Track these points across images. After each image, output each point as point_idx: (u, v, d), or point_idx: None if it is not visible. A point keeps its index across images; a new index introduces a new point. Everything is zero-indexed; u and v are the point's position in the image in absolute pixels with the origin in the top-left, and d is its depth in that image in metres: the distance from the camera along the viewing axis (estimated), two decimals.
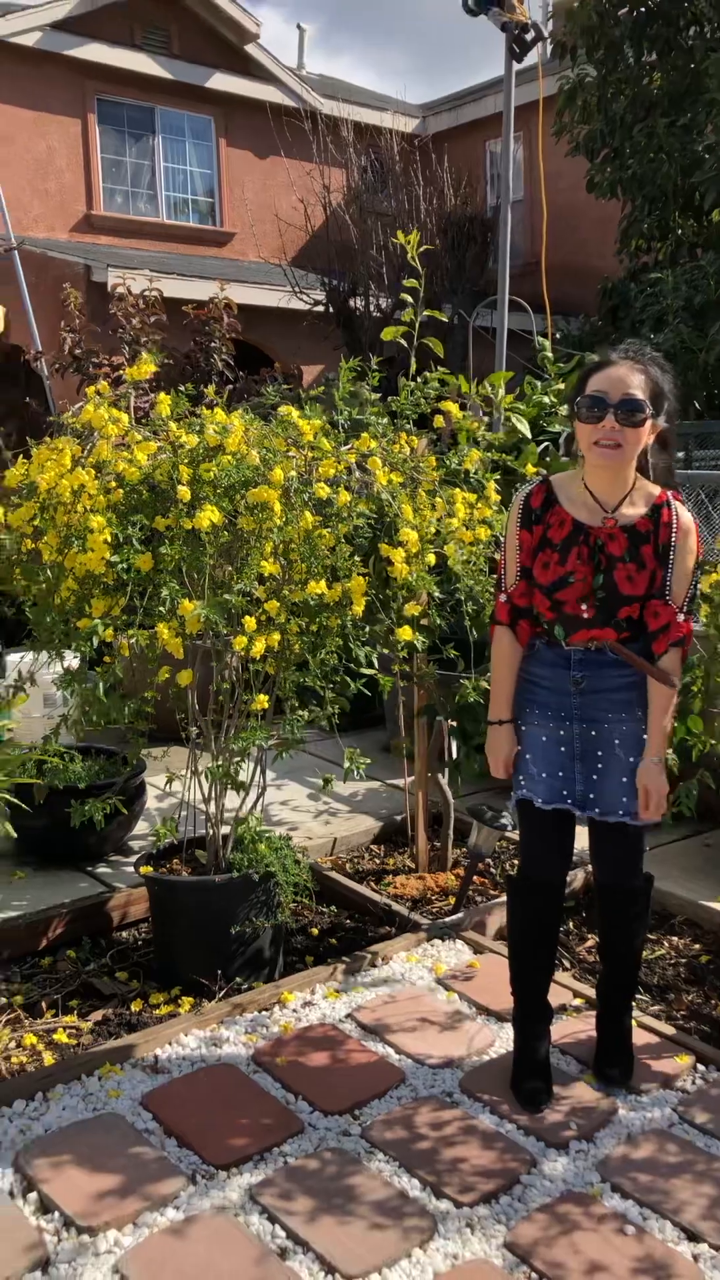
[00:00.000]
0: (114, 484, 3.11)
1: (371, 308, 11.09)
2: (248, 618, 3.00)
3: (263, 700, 3.16)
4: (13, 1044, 3.11)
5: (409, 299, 3.93)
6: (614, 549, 2.57)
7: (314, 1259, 2.23)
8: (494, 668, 2.79)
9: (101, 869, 4.10)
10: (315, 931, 3.76)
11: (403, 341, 4.00)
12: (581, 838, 2.80)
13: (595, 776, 2.66)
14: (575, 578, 2.58)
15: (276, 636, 3.05)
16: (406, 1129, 2.62)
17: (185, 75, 13.37)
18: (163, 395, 3.23)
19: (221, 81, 13.64)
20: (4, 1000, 3.34)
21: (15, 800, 3.77)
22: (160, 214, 13.69)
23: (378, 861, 4.35)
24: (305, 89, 14.21)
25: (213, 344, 7.45)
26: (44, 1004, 3.32)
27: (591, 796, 2.67)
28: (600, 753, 2.65)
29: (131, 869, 4.05)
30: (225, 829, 3.49)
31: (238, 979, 3.34)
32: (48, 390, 8.42)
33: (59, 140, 12.74)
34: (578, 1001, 3.20)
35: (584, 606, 2.58)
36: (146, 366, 3.21)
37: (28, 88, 12.42)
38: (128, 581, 3.11)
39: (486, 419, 4.54)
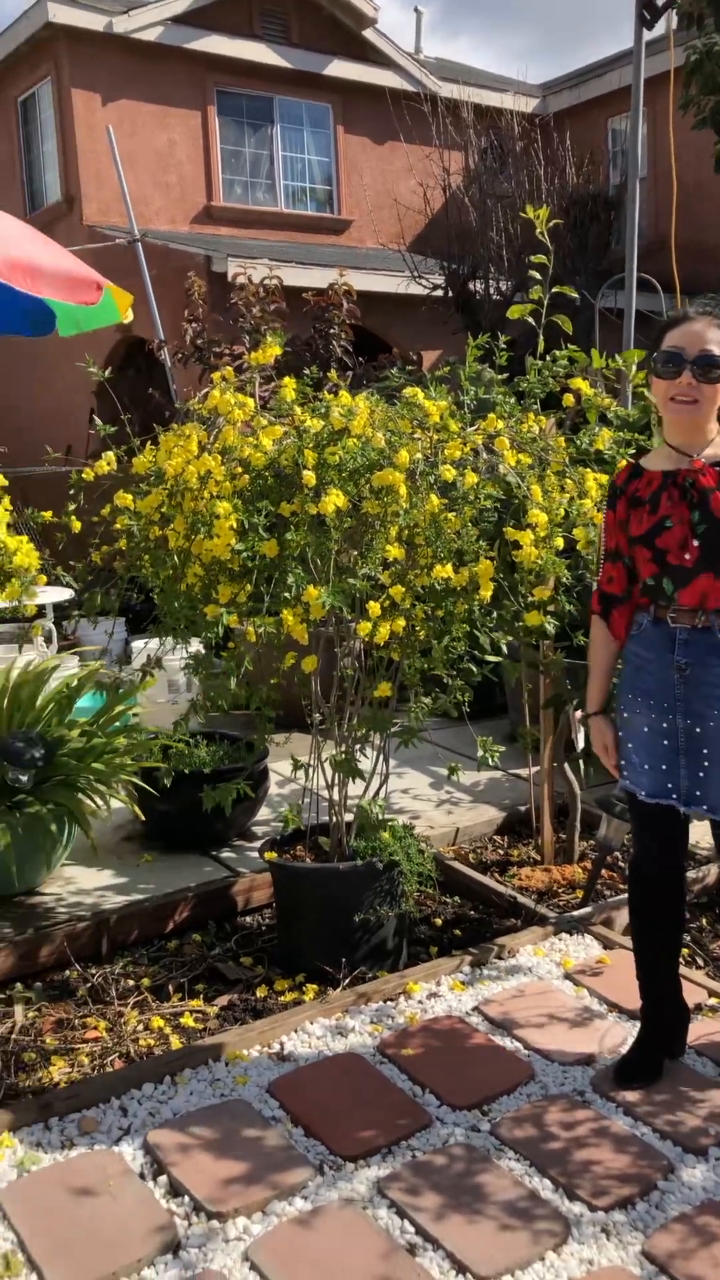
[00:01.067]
0: (239, 469, 3.11)
1: (491, 290, 10.94)
2: (372, 603, 2.96)
3: (386, 688, 3.12)
4: (140, 1026, 3.15)
5: (536, 275, 3.83)
6: (706, 482, 2.48)
7: (444, 1257, 2.18)
8: (589, 658, 2.78)
9: (225, 853, 4.13)
10: (439, 922, 3.71)
11: (530, 320, 3.90)
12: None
13: (701, 774, 2.55)
14: (672, 520, 2.52)
15: (401, 622, 3.01)
16: (537, 1127, 2.55)
17: (303, 64, 13.38)
18: (287, 379, 3.21)
19: (339, 68, 13.61)
20: (131, 983, 3.38)
21: (143, 784, 3.82)
22: (278, 203, 13.74)
23: (501, 852, 4.28)
24: (423, 73, 14.08)
25: (332, 330, 7.43)
26: (170, 987, 3.35)
27: (698, 794, 2.56)
28: (706, 750, 2.54)
29: (255, 854, 4.07)
30: (348, 816, 3.46)
31: (362, 968, 3.32)
32: (170, 379, 8.53)
33: (180, 133, 12.88)
34: (713, 1001, 3.08)
35: (685, 554, 2.49)
36: (271, 350, 3.20)
37: (150, 82, 12.58)
38: (253, 568, 3.11)
39: (615, 398, 4.40)
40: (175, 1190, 2.38)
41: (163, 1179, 2.41)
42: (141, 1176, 2.43)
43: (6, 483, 2.65)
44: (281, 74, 13.38)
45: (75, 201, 12.47)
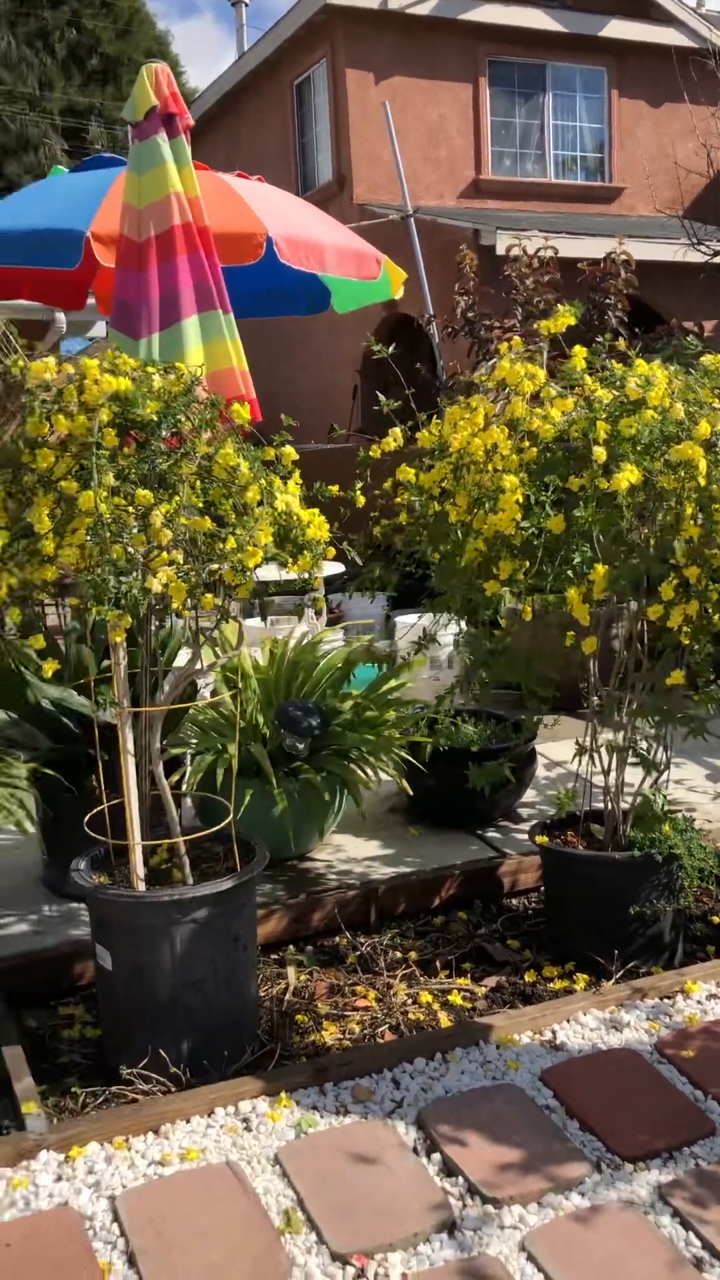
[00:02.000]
0: (526, 443, 3.03)
1: None
2: (665, 585, 2.82)
3: (678, 676, 2.97)
4: (409, 1000, 3.16)
5: None
6: None
7: None
8: None
9: (491, 833, 4.08)
10: (717, 920, 3.53)
11: None
12: None
13: None
14: None
15: (695, 605, 2.85)
16: None
17: (578, 26, 13.00)
18: (578, 348, 3.10)
19: (617, 28, 13.14)
20: (399, 954, 3.40)
21: (410, 759, 3.82)
22: (547, 174, 13.45)
23: None
24: (708, 28, 13.39)
25: (608, 301, 7.20)
26: (438, 963, 3.35)
27: None
28: None
29: (521, 835, 4.00)
30: (623, 804, 3.34)
31: (634, 961, 3.20)
32: (436, 355, 8.51)
33: (450, 107, 12.82)
34: None
35: None
36: (564, 319, 3.09)
37: (421, 57, 12.57)
38: (536, 545, 3.03)
39: None
40: (449, 1170, 2.36)
41: (436, 1157, 2.40)
42: (415, 1151, 2.43)
43: (297, 456, 2.67)
44: (555, 39, 13.05)
45: (346, 181, 12.65)
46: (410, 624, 5.41)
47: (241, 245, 5.04)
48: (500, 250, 9.25)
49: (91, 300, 6.49)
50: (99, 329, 10.96)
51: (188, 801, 3.75)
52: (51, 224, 5.01)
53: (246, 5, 17.39)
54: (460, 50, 12.77)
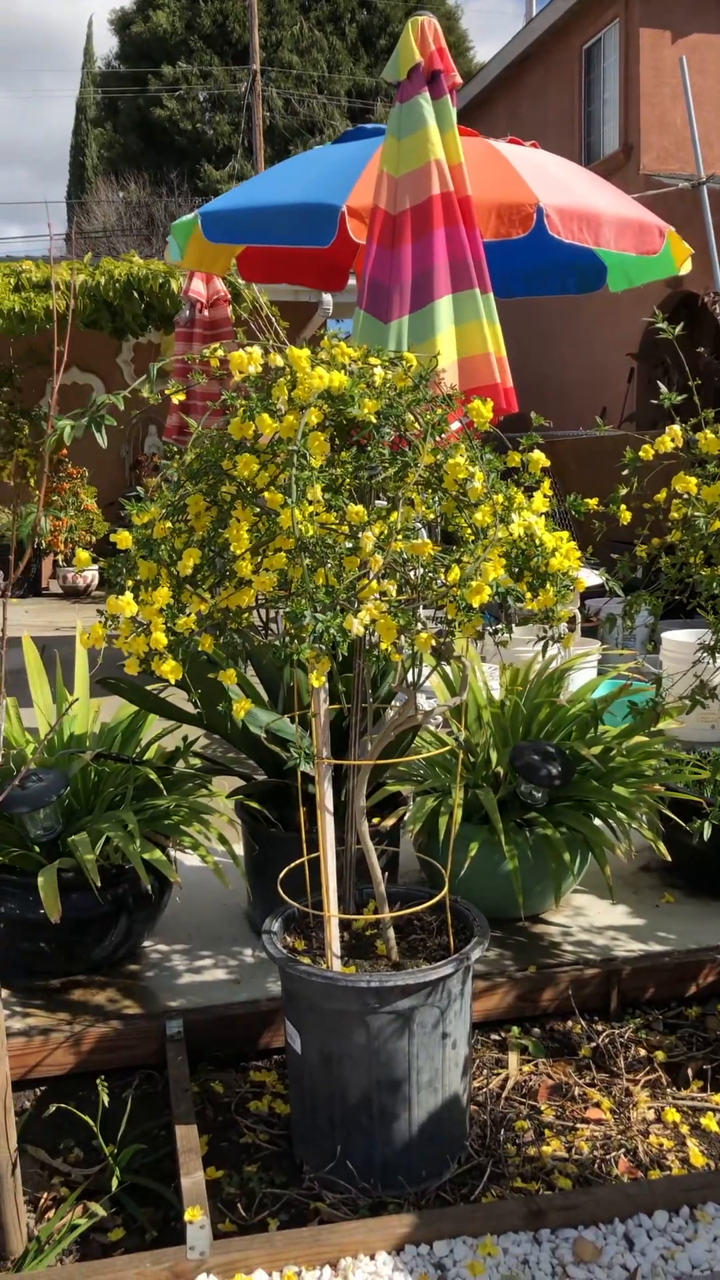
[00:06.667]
0: None
1: None
2: None
3: None
4: (651, 1115, 2.63)
5: None
6: None
7: None
8: None
9: None
10: None
11: None
12: None
13: None
14: None
15: None
16: None
17: None
18: None
19: None
20: (643, 1052, 2.87)
21: (672, 815, 3.26)
22: None
23: None
24: None
25: None
26: (690, 1070, 2.80)
27: None
28: None
29: None
30: None
31: None
32: None
33: None
34: None
35: None
36: None
37: None
38: None
39: None
40: None
41: None
42: None
43: (548, 463, 2.18)
44: None
45: (633, 150, 11.85)
46: (681, 643, 4.78)
47: (509, 216, 4.56)
48: None
49: (353, 281, 6.17)
50: None
51: (407, 838, 3.35)
52: (308, 198, 4.70)
53: None
54: None
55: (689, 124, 8.40)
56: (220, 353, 2.08)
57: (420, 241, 3.88)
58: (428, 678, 2.25)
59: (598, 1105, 2.67)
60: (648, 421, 10.95)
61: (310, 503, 1.95)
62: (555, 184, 4.75)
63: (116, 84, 30.51)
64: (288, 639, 1.96)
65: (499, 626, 2.30)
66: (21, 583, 11.85)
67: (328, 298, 10.86)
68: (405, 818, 3.19)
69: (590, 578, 5.42)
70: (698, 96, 11.29)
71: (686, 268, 5.23)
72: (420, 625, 2.04)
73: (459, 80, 4.05)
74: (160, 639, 2.02)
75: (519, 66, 14.47)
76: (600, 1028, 2.97)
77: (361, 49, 28.74)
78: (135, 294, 9.87)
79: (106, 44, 44.18)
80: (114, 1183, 2.35)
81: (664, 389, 2.70)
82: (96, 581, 11.98)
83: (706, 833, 2.80)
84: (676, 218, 8.23)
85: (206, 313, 7.33)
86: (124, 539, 2.09)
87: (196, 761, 3.27)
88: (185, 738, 3.36)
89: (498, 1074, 2.79)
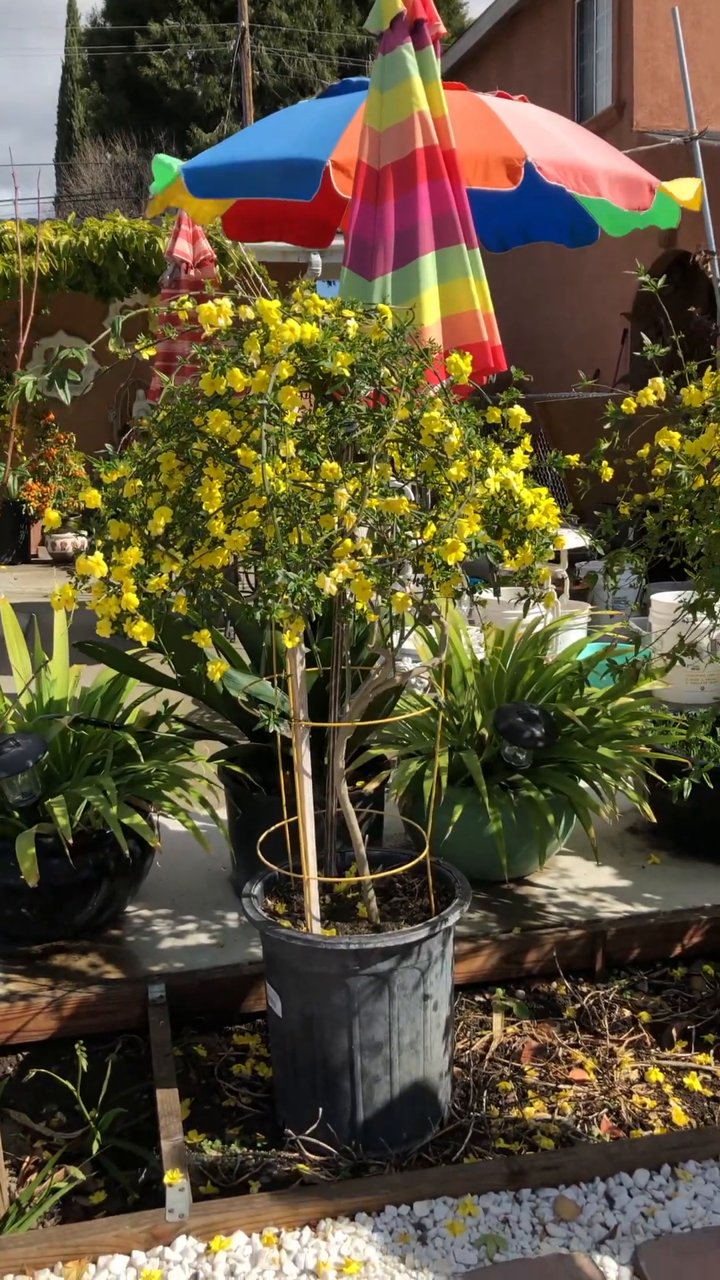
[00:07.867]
0: None
1: None
2: None
3: None
4: (635, 1075, 2.63)
5: None
6: None
7: None
8: None
9: None
10: None
11: None
12: None
13: None
14: None
15: None
16: None
17: None
18: None
19: None
20: (627, 1013, 2.87)
21: (658, 777, 3.25)
22: None
23: None
24: None
25: None
26: (674, 1030, 2.80)
27: None
28: None
29: None
30: None
31: None
32: (716, 295, 7.62)
33: None
34: None
35: None
36: None
37: None
38: None
39: None
40: None
41: None
42: None
43: (529, 419, 2.14)
44: None
45: (626, 107, 11.67)
46: (669, 604, 4.75)
47: (497, 170, 4.47)
48: None
49: (340, 241, 6.07)
50: None
51: (391, 802, 3.33)
52: (292, 153, 4.61)
53: None
54: None
55: (682, 78, 8.26)
56: (189, 305, 2.03)
57: (404, 197, 3.80)
58: (405, 639, 2.21)
59: (581, 1066, 2.66)
60: (641, 382, 10.83)
61: (284, 459, 1.91)
62: (543, 136, 4.66)
63: (103, 42, 30.03)
64: (261, 599, 1.92)
65: (480, 586, 2.26)
66: (10, 549, 11.78)
67: (316, 258, 10.73)
68: (389, 781, 3.16)
69: (571, 537, 5.39)
70: (691, 50, 11.10)
71: (695, 205, 5.16)
72: (398, 585, 2.01)
73: (443, 30, 3.95)
74: (132, 600, 1.99)
75: (511, 22, 14.21)
76: (585, 989, 2.96)
77: (353, 5, 28.28)
78: (120, 254, 9.74)
79: (91, 1, 43.39)
80: (95, 1146, 2.34)
81: (648, 342, 2.65)
82: (86, 548, 11.91)
83: (686, 791, 2.78)
84: (669, 175, 8.10)
85: (193, 273, 7.23)
86: (93, 498, 2.05)
87: (179, 726, 3.24)
88: (165, 702, 3.33)
89: (481, 1036, 2.79)
